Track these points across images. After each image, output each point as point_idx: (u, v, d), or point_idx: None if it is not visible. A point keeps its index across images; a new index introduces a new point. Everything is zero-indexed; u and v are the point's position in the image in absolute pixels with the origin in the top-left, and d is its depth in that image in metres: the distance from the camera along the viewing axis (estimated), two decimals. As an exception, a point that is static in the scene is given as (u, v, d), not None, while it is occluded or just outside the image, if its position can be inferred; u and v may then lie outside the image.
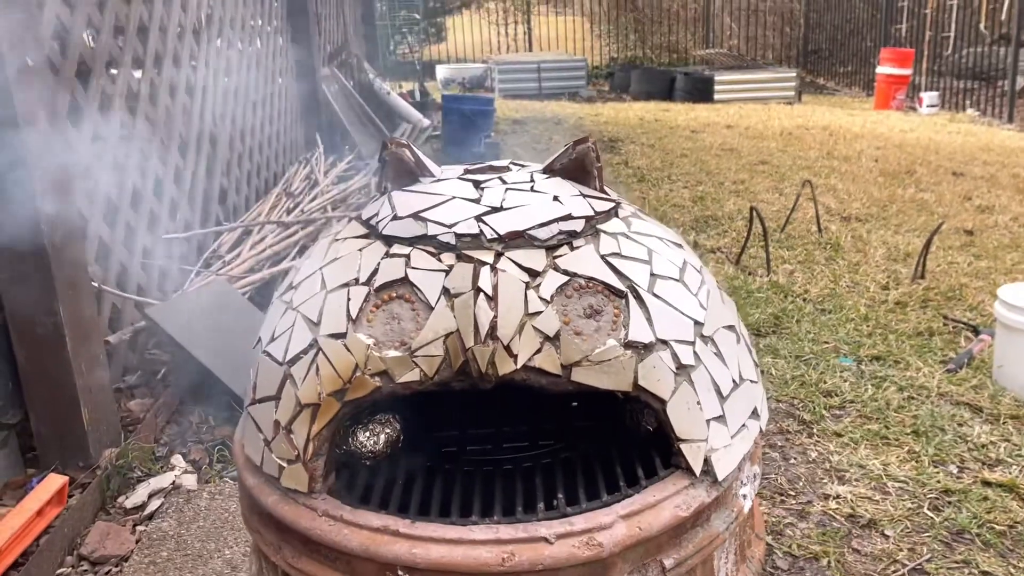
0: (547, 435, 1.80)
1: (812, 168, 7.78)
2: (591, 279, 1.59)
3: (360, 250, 1.67)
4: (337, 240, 1.75)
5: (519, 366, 1.50)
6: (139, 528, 2.74)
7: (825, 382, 3.53)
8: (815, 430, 3.29)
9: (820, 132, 9.49)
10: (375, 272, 1.60)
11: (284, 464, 1.60)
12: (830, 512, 2.68)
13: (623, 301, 1.59)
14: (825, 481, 2.88)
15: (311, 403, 1.56)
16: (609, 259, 1.62)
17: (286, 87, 6.27)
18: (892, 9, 13.57)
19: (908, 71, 12.07)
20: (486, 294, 1.53)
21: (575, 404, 1.88)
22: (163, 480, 2.98)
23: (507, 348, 1.50)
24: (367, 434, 1.67)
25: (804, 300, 4.45)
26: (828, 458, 3.00)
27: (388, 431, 1.69)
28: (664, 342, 1.57)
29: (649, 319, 1.58)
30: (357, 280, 1.61)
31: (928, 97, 11.86)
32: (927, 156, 8.17)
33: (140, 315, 3.53)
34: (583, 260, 1.61)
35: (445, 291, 1.55)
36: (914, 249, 5.30)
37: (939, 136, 9.30)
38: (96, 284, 3.28)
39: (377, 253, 1.64)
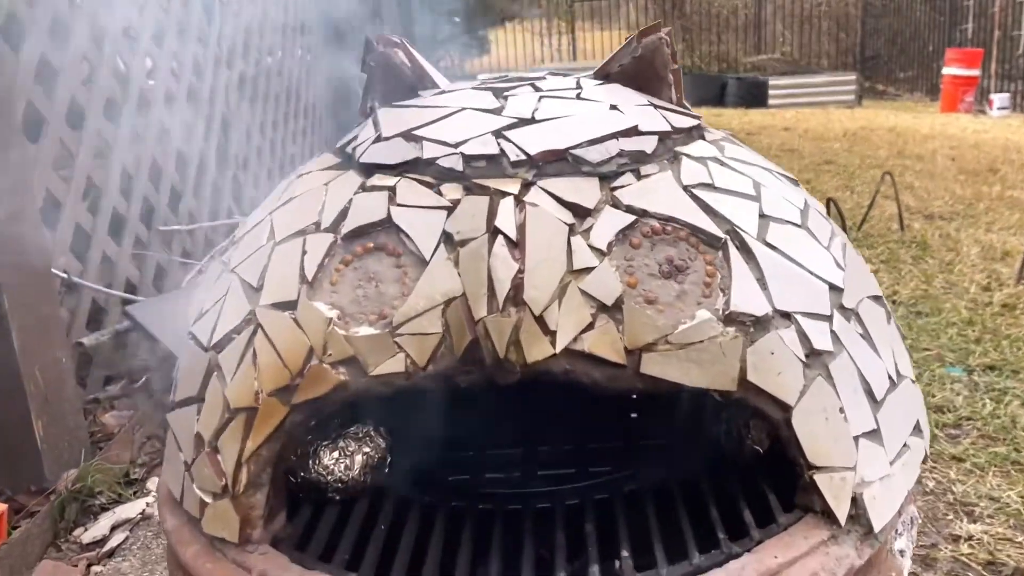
0: (601, 458, 1.23)
1: (883, 166, 7.12)
2: (670, 220, 1.03)
3: (326, 184, 1.13)
4: (300, 176, 1.22)
5: (559, 350, 0.95)
6: (93, 569, 2.23)
7: (933, 395, 2.94)
8: (929, 453, 2.58)
9: (886, 133, 8.85)
10: (344, 213, 1.07)
11: (207, 499, 1.06)
12: (963, 558, 2.09)
13: (719, 254, 1.03)
14: (950, 518, 2.30)
15: (244, 407, 1.03)
16: (696, 192, 1.07)
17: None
18: (956, 9, 12.83)
19: (977, 72, 11.32)
20: (507, 238, 0.98)
21: (638, 412, 1.32)
22: (132, 509, 2.46)
23: (539, 320, 0.95)
24: (334, 455, 1.13)
25: (894, 303, 3.86)
26: (950, 488, 2.42)
27: (367, 451, 1.15)
28: (786, 315, 1.01)
29: (762, 280, 1.02)
30: (317, 225, 1.08)
31: (999, 99, 11.09)
32: (1008, 155, 7.50)
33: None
34: (657, 193, 1.05)
35: (446, 238, 1.01)
36: (1013, 248, 4.68)
37: (1016, 136, 8.61)
38: (65, 275, 2.79)
39: (349, 187, 1.10)
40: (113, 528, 2.43)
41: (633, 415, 1.23)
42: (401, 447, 1.20)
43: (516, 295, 0.96)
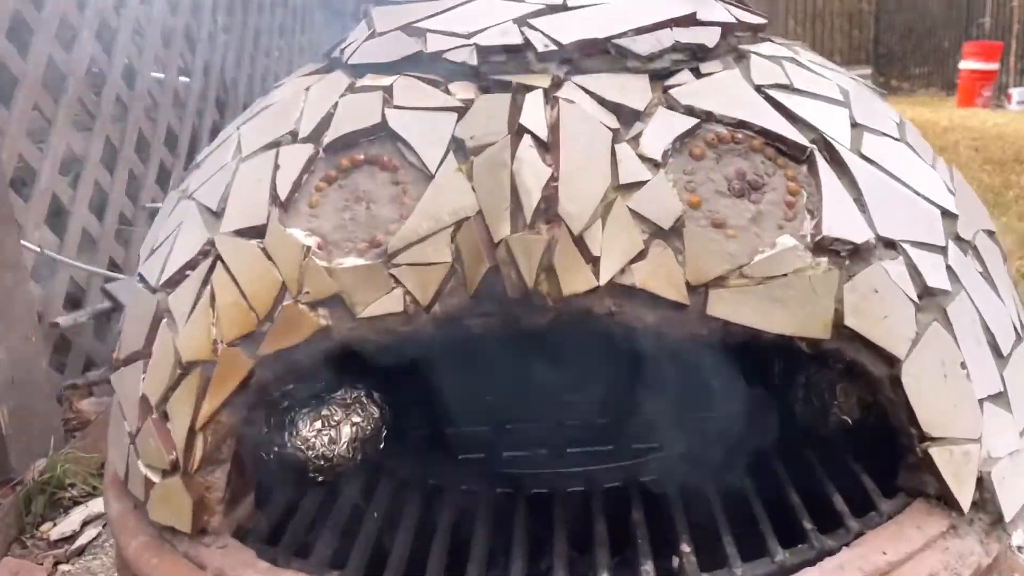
0: (647, 432, 1.01)
1: (906, 157, 6.88)
2: (741, 126, 0.81)
3: (307, 89, 0.91)
4: (277, 87, 0.99)
5: (603, 282, 0.73)
6: (61, 568, 2.02)
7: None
8: None
9: (905, 125, 8.61)
10: (328, 120, 0.85)
11: (154, 478, 0.84)
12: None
13: (804, 168, 0.80)
14: None
15: (199, 360, 0.81)
16: (772, 94, 0.84)
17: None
18: (973, 4, 12.58)
19: (995, 66, 11.06)
20: (536, 138, 0.76)
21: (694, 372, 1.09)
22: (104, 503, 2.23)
23: (578, 242, 0.73)
24: (316, 426, 0.91)
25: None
26: None
27: (356, 421, 0.93)
28: (892, 244, 0.78)
29: (860, 201, 0.79)
30: (294, 135, 0.86)
31: (1018, 93, 10.83)
32: (1033, 147, 7.27)
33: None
34: (724, 93, 0.83)
35: (456, 145, 0.79)
36: (1049, 236, 4.44)
37: (1039, 129, 8.37)
38: (39, 249, 2.57)
39: (334, 89, 0.88)
40: (84, 524, 2.21)
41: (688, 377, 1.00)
42: (399, 417, 0.98)
43: (549, 208, 0.73)
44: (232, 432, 0.83)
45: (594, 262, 0.73)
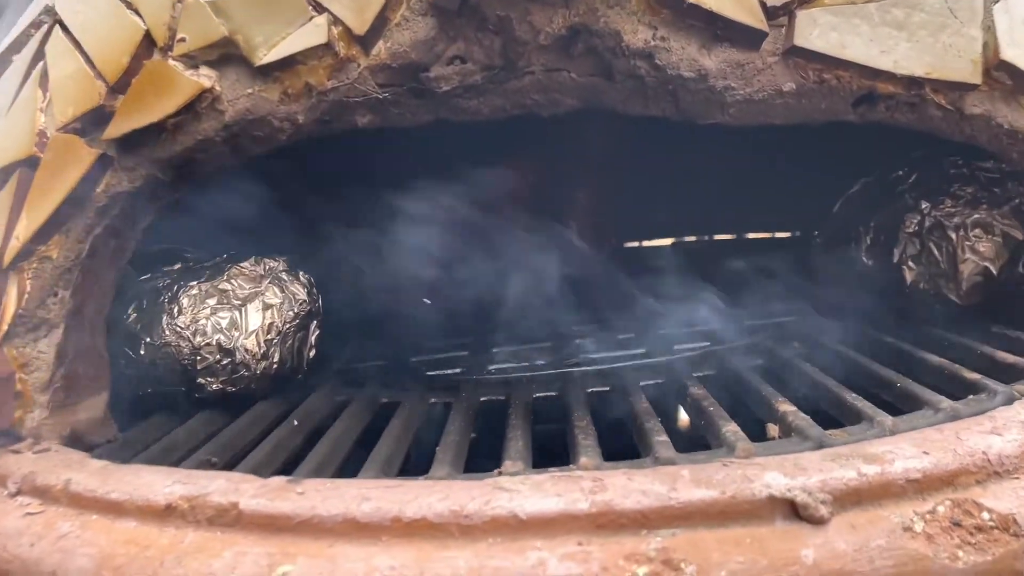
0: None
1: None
2: None
3: None
4: None
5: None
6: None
7: None
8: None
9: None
10: None
11: (-58, 357, 0.53)
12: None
13: None
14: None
15: (17, 160, 0.52)
16: None
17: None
18: None
19: None
20: None
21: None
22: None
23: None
24: (209, 303, 0.61)
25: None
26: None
27: (272, 301, 0.64)
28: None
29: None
30: None
31: None
32: None
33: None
34: None
35: None
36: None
37: None
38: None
39: None
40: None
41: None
42: (337, 309, 0.68)
43: None
44: (67, 278, 0.53)
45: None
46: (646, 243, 1.03)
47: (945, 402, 0.47)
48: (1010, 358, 0.53)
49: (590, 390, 0.62)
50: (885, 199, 0.69)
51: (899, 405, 0.51)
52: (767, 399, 0.52)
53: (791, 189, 0.90)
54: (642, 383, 0.62)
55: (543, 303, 0.67)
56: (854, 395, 0.50)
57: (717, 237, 1.07)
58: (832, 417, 0.52)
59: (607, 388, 0.64)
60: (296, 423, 0.59)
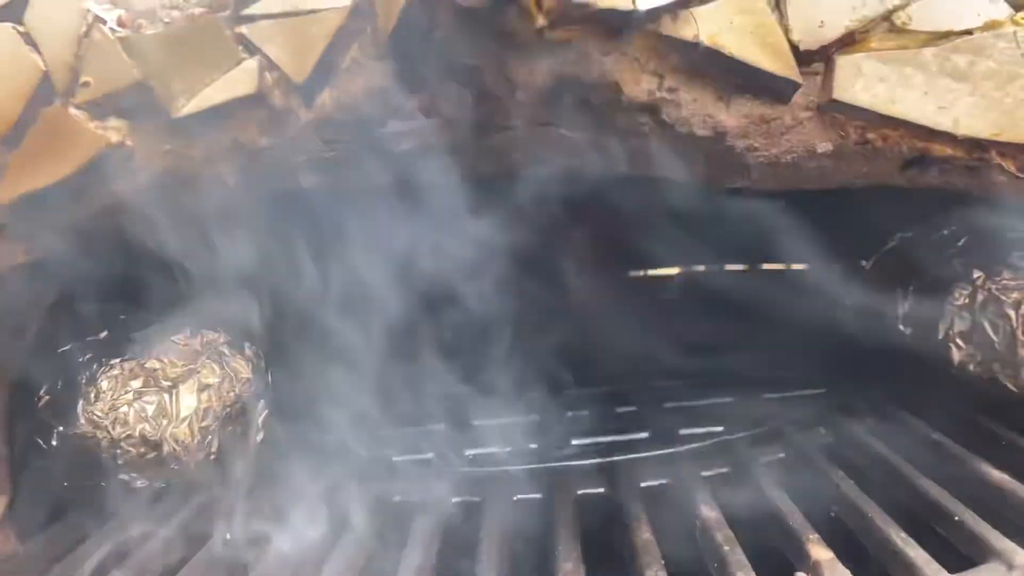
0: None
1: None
2: None
3: None
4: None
5: (641, 6, 0.37)
6: None
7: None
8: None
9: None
10: None
11: None
12: None
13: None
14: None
15: None
16: None
17: None
18: None
19: None
20: None
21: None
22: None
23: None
24: (132, 386, 0.52)
25: None
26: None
27: (210, 381, 0.54)
28: None
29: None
30: None
31: None
32: None
33: None
34: None
35: None
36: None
37: None
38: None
39: None
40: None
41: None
42: (289, 379, 0.59)
43: None
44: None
45: (624, -26, 0.37)
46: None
47: (1020, 555, 0.37)
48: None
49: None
50: (928, 261, 0.60)
51: (958, 546, 0.41)
52: (796, 533, 0.42)
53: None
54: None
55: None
56: (904, 537, 0.40)
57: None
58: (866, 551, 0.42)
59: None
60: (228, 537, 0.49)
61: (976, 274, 0.56)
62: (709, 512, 0.46)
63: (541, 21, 0.34)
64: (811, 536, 0.41)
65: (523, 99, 0.39)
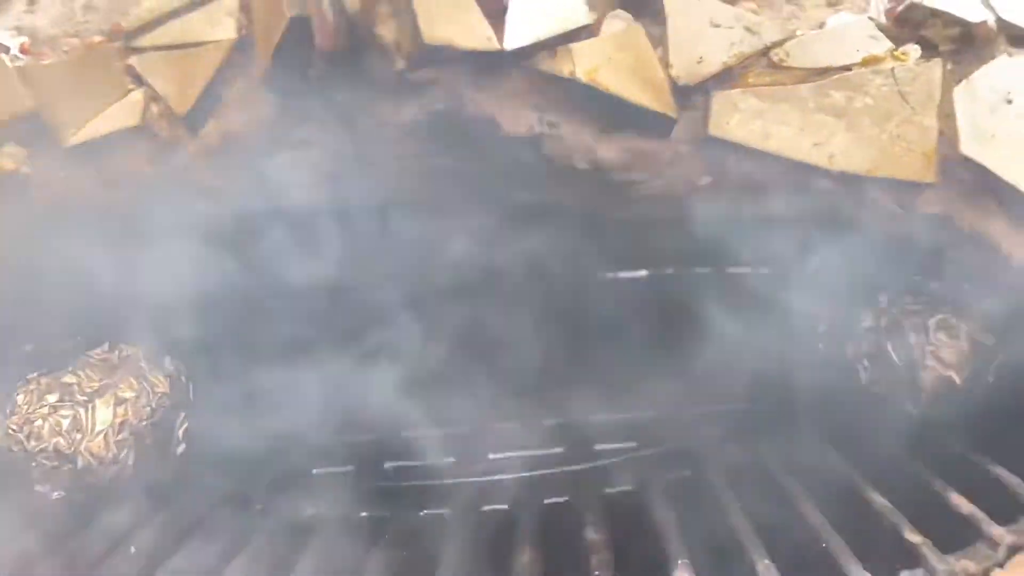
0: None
1: None
2: None
3: None
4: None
5: (508, 46, 0.38)
6: None
7: None
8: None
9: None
10: None
11: None
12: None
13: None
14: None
15: None
16: None
17: None
18: None
19: None
20: None
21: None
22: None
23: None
24: (48, 399, 0.53)
25: None
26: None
27: (126, 395, 0.55)
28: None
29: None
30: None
31: None
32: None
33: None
34: None
35: None
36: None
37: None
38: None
39: None
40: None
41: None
42: (213, 391, 0.60)
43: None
44: None
45: (495, 13, 0.38)
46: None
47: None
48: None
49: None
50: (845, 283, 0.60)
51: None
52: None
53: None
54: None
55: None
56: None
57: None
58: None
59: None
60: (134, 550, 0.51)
61: (881, 297, 0.56)
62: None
63: (401, 64, 0.35)
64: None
65: (391, 136, 0.40)
